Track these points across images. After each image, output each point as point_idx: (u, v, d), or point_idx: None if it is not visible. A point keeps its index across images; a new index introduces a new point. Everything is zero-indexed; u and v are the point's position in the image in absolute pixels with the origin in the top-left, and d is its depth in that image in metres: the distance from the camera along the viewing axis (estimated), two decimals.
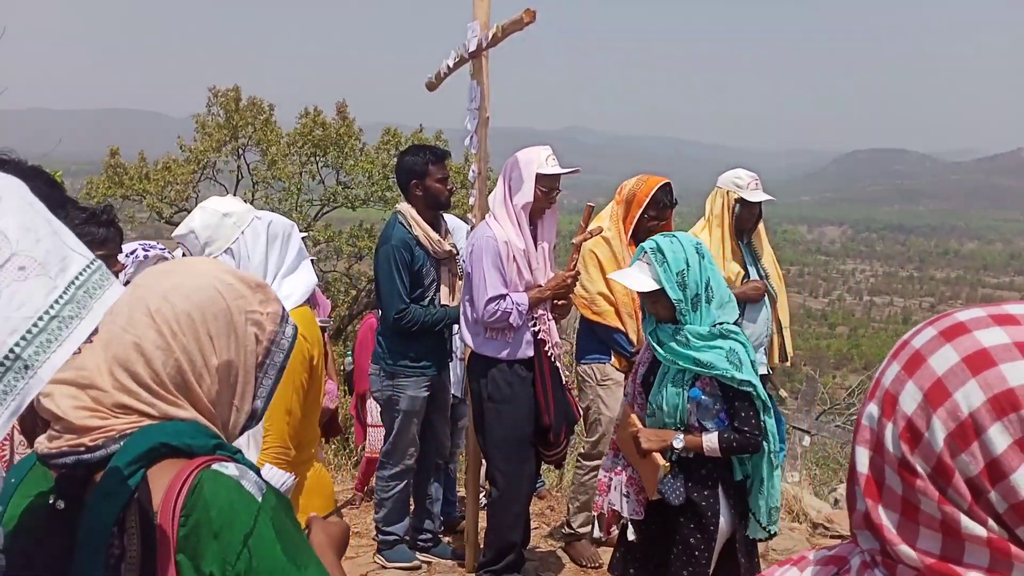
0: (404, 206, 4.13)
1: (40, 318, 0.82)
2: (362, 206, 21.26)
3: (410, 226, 4.05)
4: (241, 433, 1.31)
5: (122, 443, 1.14)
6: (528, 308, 3.69)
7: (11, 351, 0.79)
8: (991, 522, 0.72)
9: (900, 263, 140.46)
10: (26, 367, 0.80)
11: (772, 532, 2.84)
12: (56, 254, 0.86)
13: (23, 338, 0.81)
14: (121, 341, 1.19)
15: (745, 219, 4.62)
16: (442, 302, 4.13)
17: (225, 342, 1.25)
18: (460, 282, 4.34)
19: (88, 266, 0.89)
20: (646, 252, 2.79)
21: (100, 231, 2.71)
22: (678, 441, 2.69)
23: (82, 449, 1.13)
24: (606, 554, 4.34)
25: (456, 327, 4.32)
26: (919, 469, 0.75)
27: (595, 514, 4.40)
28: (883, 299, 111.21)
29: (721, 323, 2.73)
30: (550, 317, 3.80)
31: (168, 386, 1.20)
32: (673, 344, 2.71)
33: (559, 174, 3.74)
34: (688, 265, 2.70)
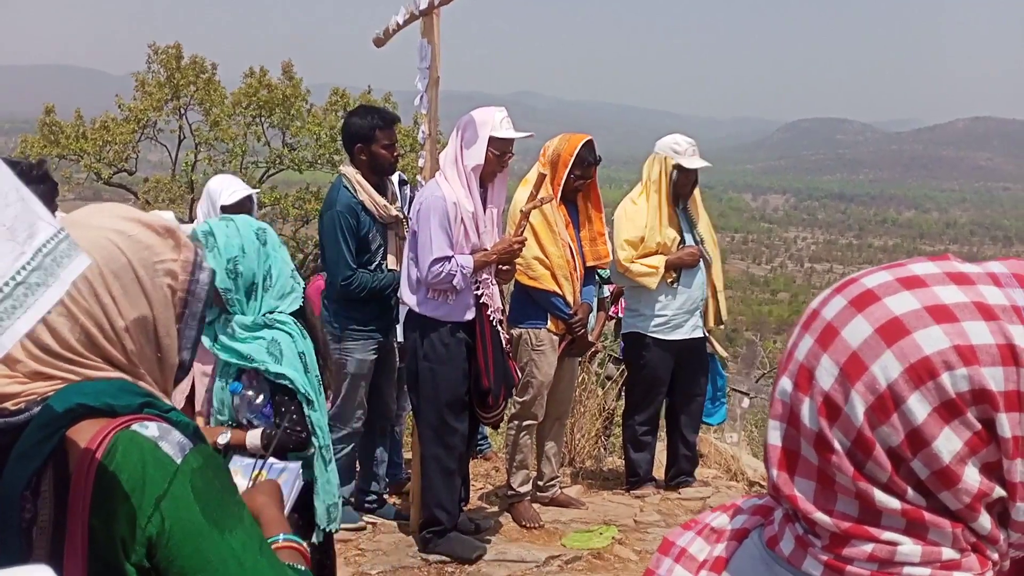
0: (348, 169, 4.08)
1: (6, 283, 0.82)
2: (309, 169, 20.94)
3: (355, 190, 4.00)
4: (176, 384, 1.27)
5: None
6: (473, 271, 3.70)
7: None
8: (911, 491, 0.74)
9: (840, 231, 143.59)
10: None
11: (332, 530, 2.64)
12: (24, 220, 0.86)
13: None
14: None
15: (682, 185, 4.70)
16: (389, 267, 4.13)
17: (133, 300, 1.17)
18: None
19: (56, 235, 0.88)
20: (199, 238, 2.50)
21: (32, 187, 2.65)
22: (223, 438, 2.49)
23: (5, 414, 1.11)
24: (544, 512, 4.46)
25: None
26: (836, 444, 0.74)
27: (532, 473, 4.50)
28: (823, 266, 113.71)
29: (271, 312, 2.53)
30: (494, 282, 3.82)
31: (80, 351, 1.15)
32: (223, 336, 2.51)
33: (513, 138, 3.73)
34: (244, 252, 2.48)
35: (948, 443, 0.72)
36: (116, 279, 1.15)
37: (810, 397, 0.76)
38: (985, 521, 0.75)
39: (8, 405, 1.11)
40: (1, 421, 1.11)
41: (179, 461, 1.10)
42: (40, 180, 2.67)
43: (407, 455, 5.03)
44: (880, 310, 0.75)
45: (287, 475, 2.25)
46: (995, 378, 0.72)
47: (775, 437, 0.80)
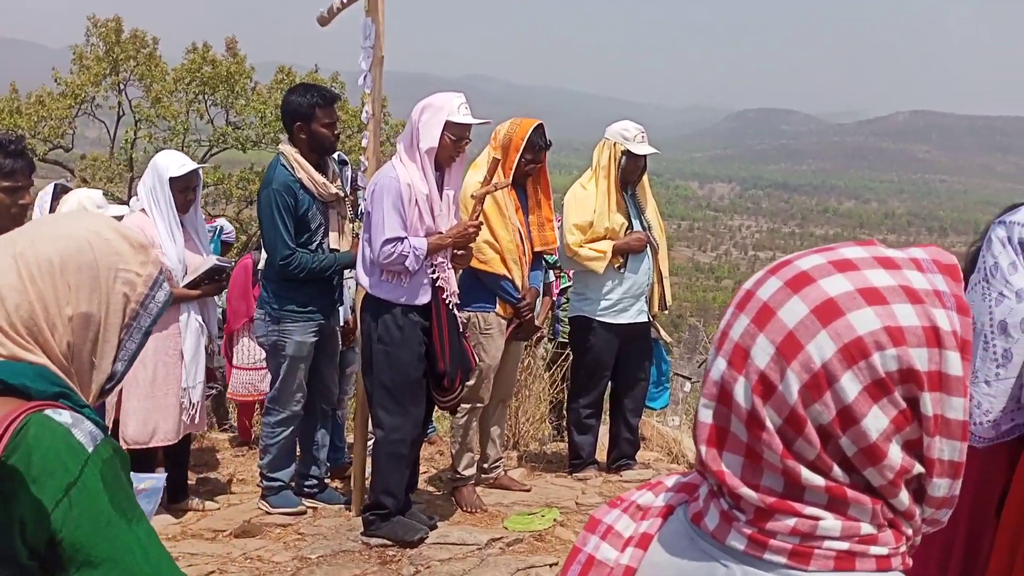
0: (287, 147, 4.01)
1: None
2: (253, 148, 20.57)
3: (293, 168, 3.93)
4: (101, 395, 1.26)
5: None
6: (427, 254, 3.66)
7: None
8: (836, 468, 0.76)
9: (784, 220, 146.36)
10: None
11: None
12: None
13: None
14: None
15: (630, 171, 4.72)
16: (331, 247, 4.06)
17: (86, 295, 1.19)
18: (350, 224, 4.28)
19: None
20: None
21: (8, 161, 2.57)
22: None
23: None
24: (487, 495, 4.45)
25: (348, 272, 4.28)
26: (768, 422, 0.76)
27: (477, 456, 4.49)
28: (767, 254, 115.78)
29: None
30: (449, 266, 3.78)
31: (19, 329, 1.16)
32: None
33: (470, 124, 3.70)
34: None
35: (876, 421, 0.75)
36: (78, 271, 1.18)
37: (744, 376, 0.78)
38: (904, 497, 0.78)
39: None
40: None
41: (90, 450, 1.10)
42: (18, 155, 2.61)
43: (349, 439, 4.98)
44: (815, 291, 0.77)
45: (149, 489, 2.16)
46: (920, 358, 0.75)
47: (706, 415, 0.82)
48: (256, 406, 5.79)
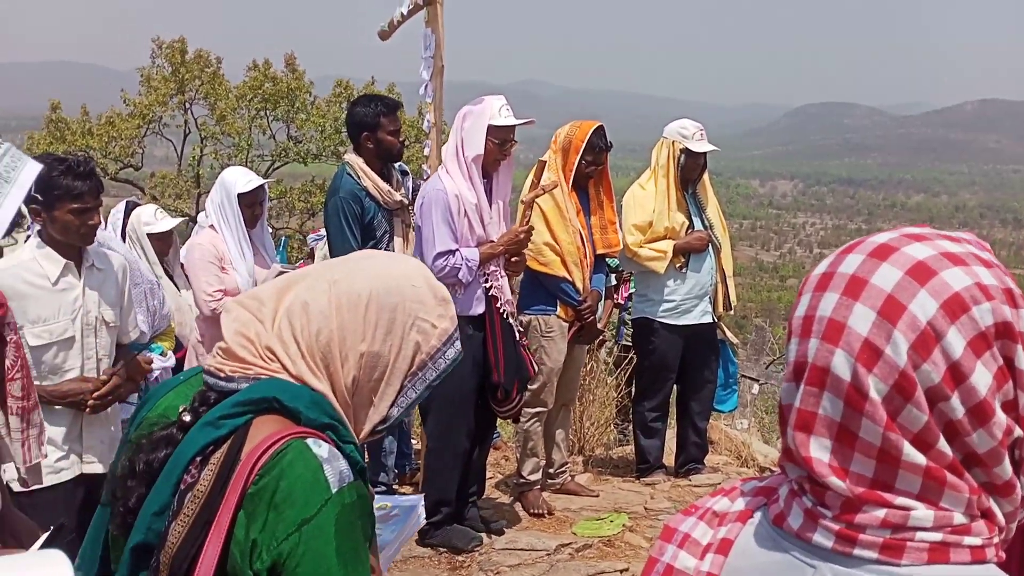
0: (352, 157, 4.05)
1: None
2: (314, 161, 20.97)
3: (358, 177, 3.98)
4: (371, 435, 1.28)
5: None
6: (479, 264, 3.65)
7: None
8: (941, 440, 0.74)
9: (849, 216, 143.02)
10: None
11: None
12: None
13: None
14: (299, 294, 1.22)
15: (690, 169, 4.67)
16: (397, 253, 4.11)
17: (382, 335, 1.22)
18: (413, 232, 4.32)
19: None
20: None
21: (77, 184, 2.68)
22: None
23: (221, 375, 1.19)
24: (554, 500, 4.44)
25: None
26: (872, 391, 0.75)
27: (542, 461, 4.48)
28: (833, 252, 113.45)
29: None
30: (503, 274, 3.77)
31: (315, 353, 1.19)
32: None
33: (512, 125, 3.69)
34: None
35: (983, 377, 0.74)
36: (379, 310, 1.22)
37: (843, 347, 0.77)
38: (1007, 465, 0.76)
39: (227, 369, 1.19)
40: (214, 381, 1.19)
41: (334, 490, 1.11)
42: (87, 177, 2.73)
43: (416, 445, 5.02)
44: (903, 257, 0.78)
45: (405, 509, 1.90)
46: (1010, 314, 0.76)
47: (794, 398, 0.81)
48: None
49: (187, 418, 1.17)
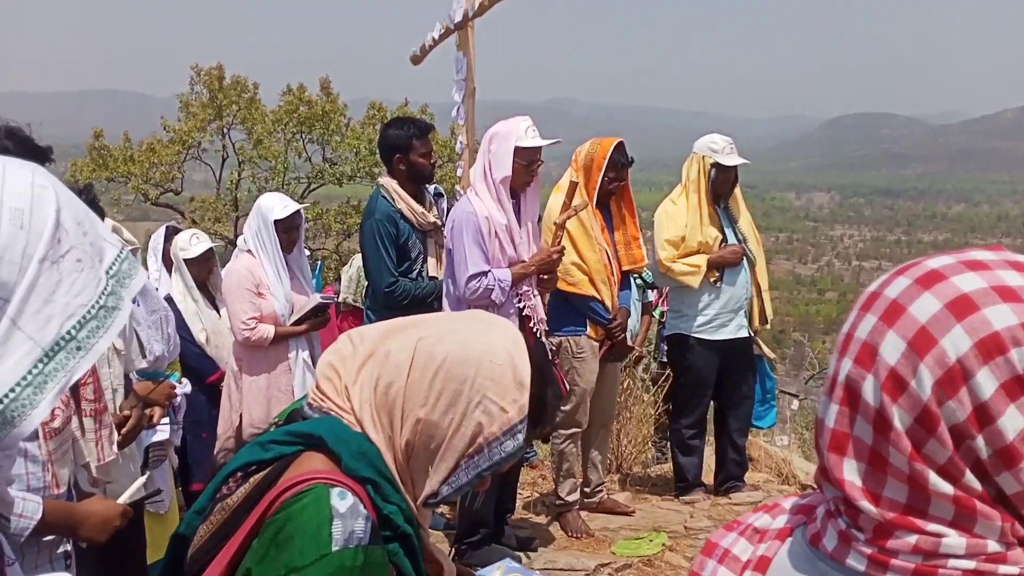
0: (386, 180, 4.10)
1: (92, 306, 0.92)
2: (349, 182, 21.19)
3: (393, 200, 4.02)
4: (424, 507, 1.22)
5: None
6: (512, 284, 3.66)
7: (68, 333, 0.90)
8: (968, 474, 0.73)
9: (888, 227, 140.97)
10: (78, 348, 0.90)
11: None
12: (96, 246, 0.96)
13: (78, 323, 0.90)
14: (385, 344, 1.20)
15: (721, 183, 4.65)
16: (430, 274, 4.13)
17: (444, 404, 1.16)
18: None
19: (118, 255, 0.98)
20: None
21: None
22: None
23: (305, 405, 1.22)
24: (592, 520, 4.41)
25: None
26: (896, 422, 0.74)
27: (579, 481, 4.45)
28: (872, 264, 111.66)
29: None
30: (535, 293, 3.78)
31: (381, 405, 1.17)
32: None
33: (539, 146, 3.70)
34: None
35: (1013, 421, 0.71)
36: (448, 379, 1.16)
37: (873, 373, 0.76)
38: None
39: (310, 398, 1.22)
40: (302, 404, 1.23)
41: (335, 548, 1.06)
42: (88, 205, 2.76)
43: None
44: (948, 287, 0.75)
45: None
46: None
47: (829, 418, 0.80)
48: None
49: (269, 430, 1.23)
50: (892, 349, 0.75)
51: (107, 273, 0.95)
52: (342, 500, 1.08)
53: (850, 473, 0.78)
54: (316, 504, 1.08)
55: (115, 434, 2.41)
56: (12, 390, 0.86)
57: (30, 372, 0.87)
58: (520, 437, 1.21)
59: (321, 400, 1.20)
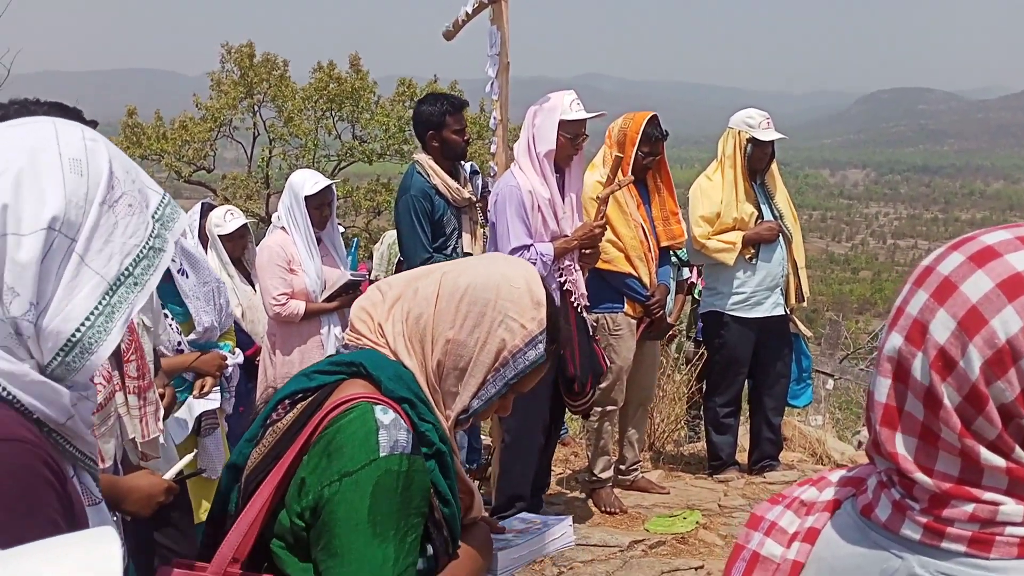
0: (422, 156, 4.11)
1: (144, 246, 1.03)
2: (379, 160, 21.22)
3: (428, 176, 4.02)
4: (457, 425, 1.34)
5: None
6: (554, 259, 3.65)
7: (127, 269, 1.01)
8: (1018, 449, 0.73)
9: (925, 205, 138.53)
10: (135, 283, 1.02)
11: None
12: (143, 192, 1.07)
13: (134, 260, 1.02)
14: (415, 282, 1.34)
15: (757, 159, 4.58)
16: (465, 250, 4.13)
17: (470, 325, 1.29)
18: (481, 229, 4.33)
19: (162, 201, 1.09)
20: None
21: None
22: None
23: (341, 347, 1.36)
24: (626, 497, 4.40)
25: None
26: (946, 399, 0.74)
27: (613, 459, 4.43)
28: (907, 242, 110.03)
29: None
30: (577, 268, 3.76)
31: (413, 334, 1.30)
32: None
33: (583, 119, 3.68)
34: None
35: None
36: (472, 303, 1.30)
37: (923, 351, 0.76)
38: None
39: (346, 339, 1.36)
40: (339, 349, 1.38)
41: (382, 453, 1.17)
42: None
43: (486, 440, 5.04)
44: (1001, 265, 0.74)
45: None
46: None
47: (881, 393, 0.80)
48: None
49: None
50: (942, 327, 0.75)
51: (153, 217, 1.05)
52: (385, 414, 1.19)
53: (903, 447, 0.78)
54: (362, 417, 1.19)
55: (160, 410, 2.43)
56: (87, 318, 0.96)
57: (99, 303, 0.97)
58: (541, 347, 1.34)
59: (357, 338, 1.33)
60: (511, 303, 1.31)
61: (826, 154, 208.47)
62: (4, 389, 0.93)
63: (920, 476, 0.76)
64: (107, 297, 0.98)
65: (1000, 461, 0.73)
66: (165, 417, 2.70)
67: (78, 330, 0.96)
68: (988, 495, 0.73)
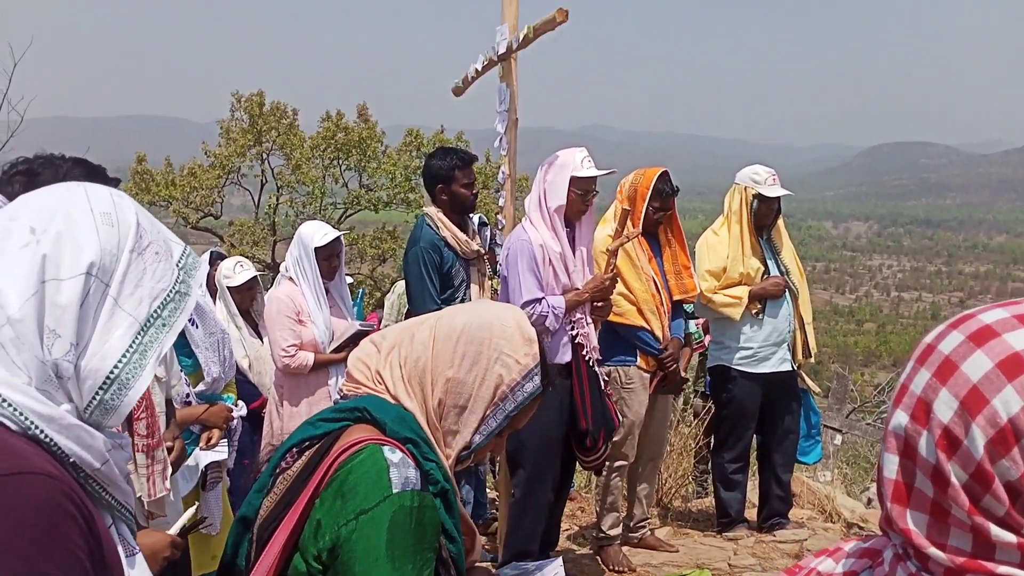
0: (431, 209, 4.15)
1: (171, 290, 1.10)
2: (385, 208, 21.36)
3: (437, 228, 4.06)
4: (458, 463, 1.39)
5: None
6: (566, 312, 3.65)
7: (156, 311, 1.07)
8: None
9: (928, 258, 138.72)
10: (164, 324, 1.08)
11: None
12: (167, 242, 1.14)
13: (162, 304, 1.08)
14: (410, 328, 1.42)
15: (764, 215, 4.59)
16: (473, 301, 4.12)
17: (468, 364, 1.37)
18: (489, 282, 4.33)
19: (184, 251, 1.16)
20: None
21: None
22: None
23: (340, 395, 1.42)
24: (634, 555, 4.32)
25: None
26: (953, 478, 0.75)
27: (622, 515, 4.36)
28: (911, 295, 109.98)
29: None
30: (588, 321, 3.76)
31: (412, 376, 1.36)
32: None
33: (594, 176, 3.71)
34: None
35: None
36: (469, 342, 1.38)
37: (928, 430, 0.77)
38: None
39: (344, 389, 1.41)
40: (337, 398, 1.41)
41: (395, 490, 1.22)
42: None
43: (491, 495, 4.97)
44: (1000, 345, 0.76)
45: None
46: None
47: (890, 470, 0.81)
48: None
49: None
50: (945, 407, 0.76)
51: (177, 265, 1.13)
52: (393, 454, 1.25)
53: (914, 523, 0.79)
54: (372, 457, 1.24)
55: (168, 469, 2.40)
56: (124, 356, 1.03)
57: (133, 342, 1.04)
58: (537, 379, 1.42)
59: (355, 388, 1.39)
60: (505, 340, 1.39)
61: (829, 206, 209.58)
62: (42, 432, 0.96)
63: (934, 551, 0.76)
64: (140, 336, 1.04)
65: (1011, 537, 0.73)
66: (174, 471, 2.67)
67: (116, 367, 1.01)
68: (1003, 569, 0.74)
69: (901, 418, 0.80)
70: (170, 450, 2.59)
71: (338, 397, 1.40)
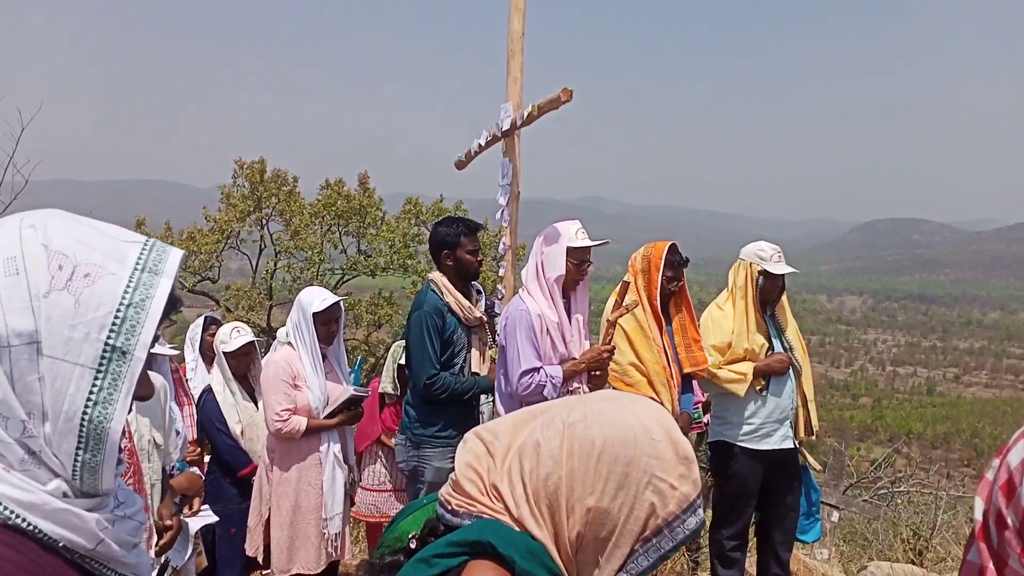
0: (436, 275, 4.18)
1: (118, 310, 0.96)
2: (382, 273, 21.44)
3: (442, 293, 4.09)
4: None
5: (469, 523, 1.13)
6: (563, 381, 3.66)
7: (107, 344, 0.95)
8: None
9: (923, 333, 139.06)
10: (123, 353, 0.96)
11: None
12: (113, 251, 0.99)
13: (111, 331, 0.95)
14: (533, 434, 1.16)
15: (768, 291, 4.61)
16: (472, 368, 4.12)
17: (612, 490, 1.11)
18: (490, 351, 4.34)
19: (143, 248, 1.02)
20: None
21: None
22: None
23: (448, 507, 1.15)
24: None
25: (484, 397, 4.30)
26: (1009, 521, 0.79)
27: None
28: (907, 369, 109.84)
29: None
30: (585, 390, 3.76)
31: (540, 498, 1.12)
32: None
33: (589, 247, 3.77)
34: None
35: None
36: (613, 463, 1.11)
37: (996, 475, 0.83)
38: None
39: (453, 503, 1.15)
40: (441, 512, 1.16)
41: None
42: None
43: None
44: None
45: None
46: None
47: (973, 554, 0.85)
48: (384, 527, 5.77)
49: (413, 546, 1.16)
50: (1016, 456, 0.84)
51: (136, 268, 0.99)
52: None
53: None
54: None
55: (155, 537, 2.34)
56: (84, 413, 0.93)
57: (91, 392, 0.93)
58: (700, 513, 1.15)
59: (469, 504, 1.14)
60: (656, 460, 1.12)
61: (823, 280, 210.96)
62: (24, 520, 0.91)
63: None
64: (97, 382, 0.94)
65: None
66: (168, 547, 2.60)
67: (82, 423, 0.93)
68: None
69: (994, 464, 0.87)
70: (170, 528, 2.52)
71: (441, 510, 1.17)
